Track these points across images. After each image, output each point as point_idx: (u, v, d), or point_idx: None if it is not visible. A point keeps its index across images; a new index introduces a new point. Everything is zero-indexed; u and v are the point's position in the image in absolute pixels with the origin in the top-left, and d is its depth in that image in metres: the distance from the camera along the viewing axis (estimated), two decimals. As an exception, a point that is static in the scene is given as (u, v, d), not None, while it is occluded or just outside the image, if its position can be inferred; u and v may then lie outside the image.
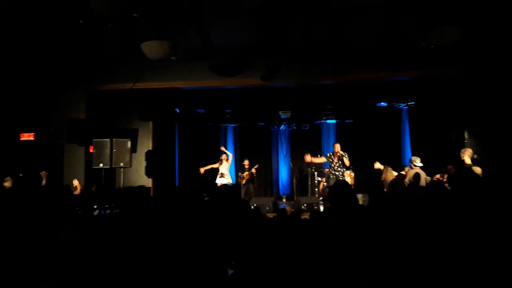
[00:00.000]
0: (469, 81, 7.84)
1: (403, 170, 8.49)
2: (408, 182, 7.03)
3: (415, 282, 2.61)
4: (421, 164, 7.51)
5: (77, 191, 4.88)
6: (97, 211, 4.08)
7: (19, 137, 8.21)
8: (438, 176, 6.70)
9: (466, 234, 2.58)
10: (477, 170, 5.36)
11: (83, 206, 3.87)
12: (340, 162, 8.74)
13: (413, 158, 7.78)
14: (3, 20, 5.95)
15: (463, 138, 7.48)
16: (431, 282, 2.56)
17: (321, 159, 9.40)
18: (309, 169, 10.91)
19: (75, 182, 6.72)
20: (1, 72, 7.61)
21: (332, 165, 8.83)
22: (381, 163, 8.31)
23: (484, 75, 7.49)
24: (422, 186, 5.88)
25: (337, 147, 8.84)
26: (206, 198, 4.91)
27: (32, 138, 8.23)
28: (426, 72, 7.83)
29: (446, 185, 5.82)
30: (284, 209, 5.62)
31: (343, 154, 8.69)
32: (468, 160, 6.18)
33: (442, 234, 2.72)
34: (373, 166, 8.57)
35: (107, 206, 4.12)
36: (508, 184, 3.03)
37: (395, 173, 7.78)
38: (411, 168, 7.64)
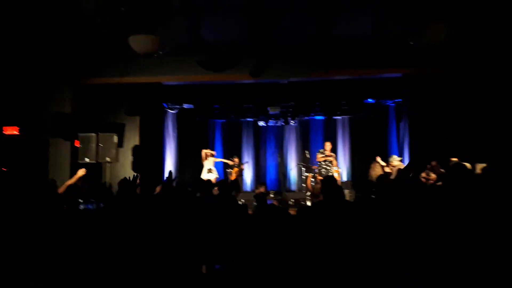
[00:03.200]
0: (457, 79, 7.94)
1: (387, 166, 8.62)
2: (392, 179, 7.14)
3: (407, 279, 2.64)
4: (398, 162, 7.72)
5: (62, 189, 4.73)
6: (82, 206, 4.04)
7: (2, 131, 8.06)
8: (423, 174, 6.78)
9: (458, 231, 2.60)
10: (467, 165, 5.42)
11: (68, 201, 3.82)
12: (331, 159, 9.07)
13: (391, 158, 7.99)
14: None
15: (450, 135, 7.58)
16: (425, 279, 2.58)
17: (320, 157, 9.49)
18: (297, 164, 10.95)
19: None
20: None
21: (323, 160, 9.10)
22: (370, 159, 8.39)
23: (471, 73, 7.59)
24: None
25: (328, 145, 9.16)
26: (197, 194, 4.89)
27: (16, 132, 8.08)
28: (414, 69, 7.92)
29: (431, 182, 5.88)
30: (272, 204, 5.62)
31: (332, 156, 9.04)
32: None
33: (430, 231, 2.74)
34: (360, 162, 8.72)
35: (93, 200, 4.08)
36: (502, 180, 3.06)
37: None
38: (394, 166, 7.81)
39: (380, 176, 6.48)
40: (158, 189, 5.23)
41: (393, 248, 2.84)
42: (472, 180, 3.20)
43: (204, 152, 9.94)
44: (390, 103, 11.23)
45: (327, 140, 9.93)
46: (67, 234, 2.90)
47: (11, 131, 8.09)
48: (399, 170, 5.97)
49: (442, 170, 6.60)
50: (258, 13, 6.07)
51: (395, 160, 7.80)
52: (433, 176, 6.47)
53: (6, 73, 7.85)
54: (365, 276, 2.76)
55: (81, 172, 5.41)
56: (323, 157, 9.19)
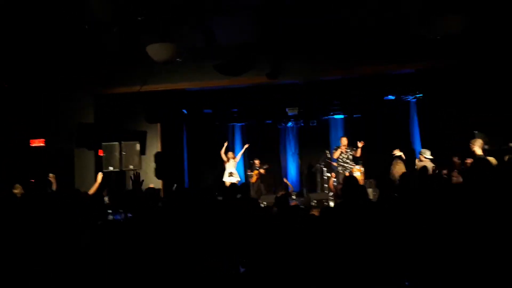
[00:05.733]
0: (477, 71, 7.75)
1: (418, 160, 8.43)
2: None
3: (421, 282, 2.58)
4: (431, 157, 7.45)
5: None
6: (111, 216, 4.11)
7: (29, 143, 8.30)
8: (445, 171, 6.61)
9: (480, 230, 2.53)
10: (492, 160, 5.27)
11: (97, 211, 3.89)
12: (348, 155, 8.84)
13: (423, 150, 7.71)
14: (12, 27, 6.02)
15: (473, 129, 7.38)
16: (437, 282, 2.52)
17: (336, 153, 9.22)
18: (318, 165, 10.88)
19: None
20: (9, 79, 7.70)
21: (340, 157, 8.92)
22: (391, 157, 8.23)
23: (492, 64, 7.39)
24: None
25: (344, 140, 8.94)
26: (219, 198, 4.92)
27: (42, 144, 8.31)
28: (433, 63, 7.74)
29: (455, 178, 5.73)
30: (294, 206, 5.61)
31: (352, 148, 8.82)
32: (478, 151, 6.09)
33: (452, 231, 2.67)
34: (383, 160, 8.54)
35: (121, 210, 4.15)
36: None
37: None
38: (421, 160, 7.58)
39: (404, 174, 6.39)
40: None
41: (414, 249, 2.79)
42: (496, 177, 3.10)
43: (222, 153, 9.96)
44: (411, 98, 11.05)
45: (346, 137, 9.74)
46: (99, 244, 2.96)
47: (38, 143, 8.32)
48: (401, 176, 5.72)
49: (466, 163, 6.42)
50: (270, 12, 6.06)
51: (426, 153, 7.54)
52: (455, 173, 6.31)
53: (29, 87, 8.09)
54: (384, 278, 2.72)
55: (99, 177, 5.57)
56: (339, 152, 8.97)
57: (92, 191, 5.04)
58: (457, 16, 5.32)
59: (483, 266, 2.37)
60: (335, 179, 9.49)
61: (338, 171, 8.95)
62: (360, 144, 8.80)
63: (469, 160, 6.27)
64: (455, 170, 6.31)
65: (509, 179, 3.01)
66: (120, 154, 8.06)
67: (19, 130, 8.20)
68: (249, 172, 11.19)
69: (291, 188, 10.74)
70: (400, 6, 5.87)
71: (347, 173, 8.63)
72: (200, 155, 11.65)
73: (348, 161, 8.89)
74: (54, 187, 5.89)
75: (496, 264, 2.36)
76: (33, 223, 2.98)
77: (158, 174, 9.22)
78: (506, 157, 5.41)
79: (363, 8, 6.01)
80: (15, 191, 5.64)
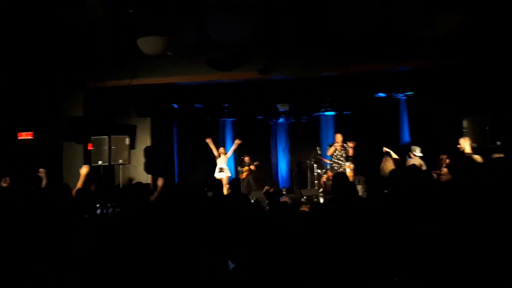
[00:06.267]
0: (468, 70, 7.81)
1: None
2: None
3: (411, 280, 2.60)
4: (421, 154, 7.51)
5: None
6: (99, 210, 4.08)
7: (17, 136, 8.18)
8: (436, 172, 6.67)
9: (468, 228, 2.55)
10: (477, 158, 5.33)
11: (85, 205, 3.86)
12: (342, 152, 8.88)
13: (413, 147, 7.76)
14: (1, 20, 5.91)
15: (462, 127, 7.46)
16: (427, 280, 2.54)
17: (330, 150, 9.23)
18: (308, 161, 10.90)
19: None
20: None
21: (335, 154, 8.95)
22: (381, 154, 8.30)
23: (483, 64, 7.46)
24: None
25: (339, 137, 8.97)
26: (209, 194, 4.91)
27: (30, 137, 8.20)
28: (424, 62, 7.79)
29: (444, 176, 5.79)
30: (284, 202, 5.63)
31: (346, 145, 8.87)
32: (468, 149, 6.17)
33: (441, 229, 2.70)
34: (372, 157, 8.60)
35: (109, 205, 4.12)
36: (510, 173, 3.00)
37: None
38: (410, 157, 7.65)
39: (393, 171, 6.42)
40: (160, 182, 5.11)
41: (403, 246, 2.81)
42: (482, 174, 3.13)
43: (211, 145, 9.93)
44: (401, 96, 11.12)
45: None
46: (86, 241, 2.93)
47: (26, 136, 8.20)
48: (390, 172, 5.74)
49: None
50: (264, 10, 6.04)
51: (416, 150, 7.59)
52: (444, 170, 6.37)
53: (18, 79, 7.96)
54: (374, 275, 2.74)
55: (84, 170, 5.38)
56: (333, 149, 9.01)
57: (79, 185, 4.99)
58: (450, 16, 5.34)
59: (474, 262, 2.40)
60: (325, 175, 9.54)
61: (333, 168, 8.99)
62: (350, 145, 8.84)
63: (443, 156, 6.30)
64: (443, 167, 6.38)
65: (498, 176, 3.05)
66: (109, 148, 7.99)
67: (7, 123, 8.07)
68: (239, 168, 11.18)
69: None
70: (395, 5, 5.87)
71: (341, 170, 8.68)
72: (191, 150, 11.60)
73: (342, 158, 8.94)
74: (44, 182, 5.75)
75: (487, 261, 2.39)
76: (24, 220, 2.93)
77: (147, 169, 9.16)
78: (496, 155, 5.47)
79: (357, 7, 6.00)
80: (4, 184, 5.55)
